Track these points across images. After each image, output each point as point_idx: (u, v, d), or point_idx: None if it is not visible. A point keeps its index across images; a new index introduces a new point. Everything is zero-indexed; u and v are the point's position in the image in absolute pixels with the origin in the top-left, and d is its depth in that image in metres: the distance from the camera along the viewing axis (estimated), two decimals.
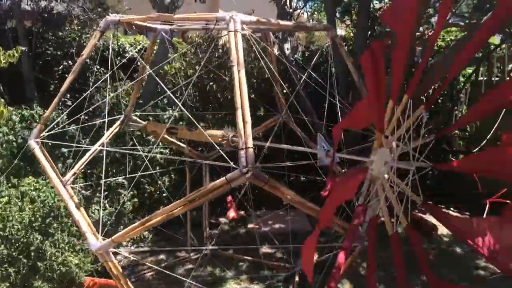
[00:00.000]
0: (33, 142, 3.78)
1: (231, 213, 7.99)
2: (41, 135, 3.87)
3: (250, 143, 2.94)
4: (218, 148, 4.07)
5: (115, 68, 4.00)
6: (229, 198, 8.53)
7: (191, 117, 3.59)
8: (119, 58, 9.27)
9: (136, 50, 10.21)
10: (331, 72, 4.25)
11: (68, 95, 9.41)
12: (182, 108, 3.73)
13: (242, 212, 8.38)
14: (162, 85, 4.97)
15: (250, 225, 7.41)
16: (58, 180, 3.63)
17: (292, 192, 3.07)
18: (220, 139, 4.31)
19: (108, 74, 3.89)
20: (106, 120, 3.99)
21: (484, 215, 3.35)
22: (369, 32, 6.61)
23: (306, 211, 3.15)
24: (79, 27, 8.80)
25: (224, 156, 3.19)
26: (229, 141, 4.25)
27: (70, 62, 9.06)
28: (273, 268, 5.86)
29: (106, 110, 3.85)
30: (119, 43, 9.68)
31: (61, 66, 8.73)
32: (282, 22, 3.89)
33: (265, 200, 7.37)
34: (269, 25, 3.85)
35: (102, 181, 4.11)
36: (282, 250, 6.45)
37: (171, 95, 4.07)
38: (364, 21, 6.46)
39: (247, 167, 2.85)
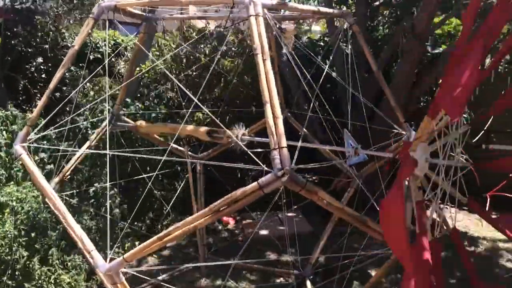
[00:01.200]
0: (20, 147, 3.32)
1: (226, 218, 7.63)
2: (28, 138, 3.41)
3: (284, 141, 2.60)
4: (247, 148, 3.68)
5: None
6: None
7: (214, 118, 3.22)
8: (92, 53, 8.82)
9: (110, 45, 9.73)
10: (351, 64, 3.94)
11: (39, 95, 8.86)
12: (205, 108, 3.33)
13: (237, 216, 8.06)
14: (174, 78, 4.50)
15: (248, 230, 7.06)
16: (52, 190, 3.18)
17: (332, 197, 2.74)
18: (228, 139, 3.96)
19: (102, 69, 3.45)
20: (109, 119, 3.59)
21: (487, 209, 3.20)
22: (369, 23, 6.37)
23: (347, 218, 2.84)
24: (53, 21, 8.21)
25: (253, 157, 2.82)
26: (239, 139, 3.90)
27: (41, 59, 8.50)
28: (280, 276, 5.53)
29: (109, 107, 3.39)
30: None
31: (34, 63, 8.13)
32: (301, 7, 3.57)
33: (257, 201, 7.06)
34: (290, 10, 3.53)
35: (108, 184, 3.60)
36: (288, 255, 6.13)
37: (192, 96, 3.62)
38: (363, 10, 6.22)
39: (283, 170, 2.51)
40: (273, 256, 6.20)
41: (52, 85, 3.42)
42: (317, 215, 7.26)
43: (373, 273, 5.44)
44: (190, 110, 3.62)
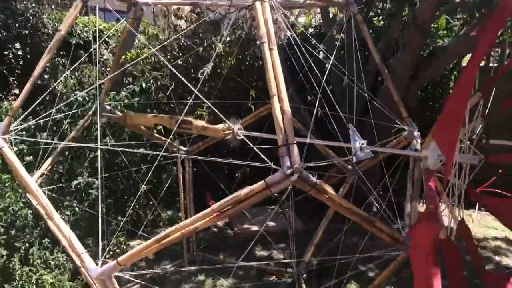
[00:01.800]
0: (1, 140, 3.07)
1: None
2: (10, 129, 3.17)
3: (293, 138, 2.44)
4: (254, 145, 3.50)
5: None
6: (209, 195, 7.96)
7: (215, 110, 3.03)
8: (73, 39, 8.46)
9: (91, 32, 9.36)
10: (356, 55, 3.80)
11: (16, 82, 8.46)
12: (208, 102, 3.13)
13: None
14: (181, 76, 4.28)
15: (237, 226, 6.90)
16: (37, 187, 2.96)
17: (342, 198, 2.60)
18: (222, 133, 3.77)
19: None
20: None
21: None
22: (365, 11, 6.21)
23: (355, 219, 2.69)
24: (33, 4, 7.82)
25: (260, 154, 2.65)
26: (235, 134, 3.71)
27: (19, 45, 8.10)
28: (272, 274, 5.39)
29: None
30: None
31: (11, 49, 7.73)
32: None
33: None
34: None
35: (99, 183, 3.39)
36: (278, 252, 6.00)
37: (193, 88, 3.41)
38: (358, 2, 6.05)
39: (292, 168, 2.35)
40: (264, 253, 6.06)
41: (36, 72, 3.19)
42: (307, 211, 7.15)
43: (369, 273, 5.35)
44: (191, 100, 3.39)
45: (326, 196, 2.54)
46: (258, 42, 2.87)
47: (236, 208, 2.46)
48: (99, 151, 2.90)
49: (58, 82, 5.64)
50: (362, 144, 3.24)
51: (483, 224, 7.16)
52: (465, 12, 5.72)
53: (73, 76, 6.77)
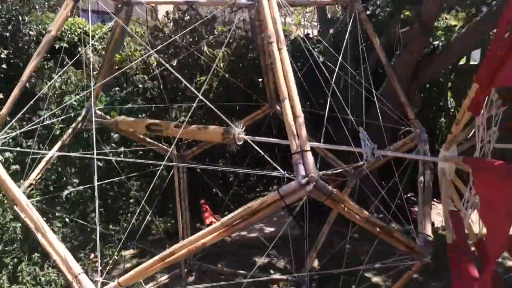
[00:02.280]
0: None
1: (209, 219, 7.23)
2: None
3: (307, 144, 2.28)
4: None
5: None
6: (203, 201, 7.75)
7: (218, 113, 2.85)
8: (57, 42, 8.18)
9: (76, 34, 9.09)
10: (362, 56, 3.65)
11: None
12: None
13: (218, 216, 7.66)
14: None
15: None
16: (27, 201, 2.75)
17: (358, 207, 2.44)
18: (222, 137, 3.57)
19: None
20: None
21: None
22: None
23: (371, 229, 2.54)
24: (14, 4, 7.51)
25: (271, 161, 2.48)
26: (236, 139, 3.52)
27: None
28: (273, 283, 5.21)
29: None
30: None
31: None
32: None
33: (238, 200, 6.74)
34: None
35: (96, 199, 3.19)
36: (279, 259, 5.83)
37: (192, 86, 3.23)
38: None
39: (308, 177, 2.19)
40: (264, 260, 5.87)
41: (25, 76, 2.98)
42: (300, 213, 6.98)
43: (374, 279, 5.19)
44: (186, 103, 3.20)
45: (342, 205, 2.38)
46: (264, 41, 2.70)
47: (247, 222, 2.28)
48: (94, 160, 2.69)
49: (47, 87, 5.38)
50: (373, 148, 3.09)
51: None
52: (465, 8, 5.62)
53: (58, 80, 6.52)
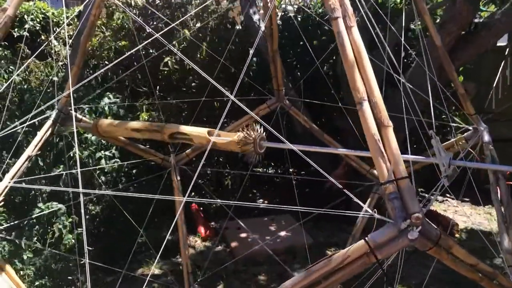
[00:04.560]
0: None
1: (203, 229, 6.45)
2: None
3: (403, 169, 1.57)
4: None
5: None
6: (194, 206, 6.95)
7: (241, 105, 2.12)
8: (16, 30, 7.24)
9: (39, 20, 8.10)
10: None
11: None
12: None
13: (213, 223, 6.91)
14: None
15: (233, 244, 5.98)
16: None
17: (468, 254, 1.75)
18: (238, 144, 2.80)
19: None
20: None
21: None
22: None
23: (475, 277, 1.86)
24: None
25: (339, 186, 1.77)
26: (257, 146, 2.76)
27: None
28: None
29: None
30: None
31: None
32: None
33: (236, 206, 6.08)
34: None
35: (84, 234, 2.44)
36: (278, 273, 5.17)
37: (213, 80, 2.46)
38: None
39: (410, 219, 1.49)
40: (274, 276, 5.20)
41: None
42: (311, 219, 6.31)
43: None
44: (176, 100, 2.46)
45: (448, 254, 1.69)
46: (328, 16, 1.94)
47: (325, 284, 1.56)
48: (79, 174, 1.94)
49: (7, 83, 4.53)
50: (449, 158, 2.41)
51: None
52: None
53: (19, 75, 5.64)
